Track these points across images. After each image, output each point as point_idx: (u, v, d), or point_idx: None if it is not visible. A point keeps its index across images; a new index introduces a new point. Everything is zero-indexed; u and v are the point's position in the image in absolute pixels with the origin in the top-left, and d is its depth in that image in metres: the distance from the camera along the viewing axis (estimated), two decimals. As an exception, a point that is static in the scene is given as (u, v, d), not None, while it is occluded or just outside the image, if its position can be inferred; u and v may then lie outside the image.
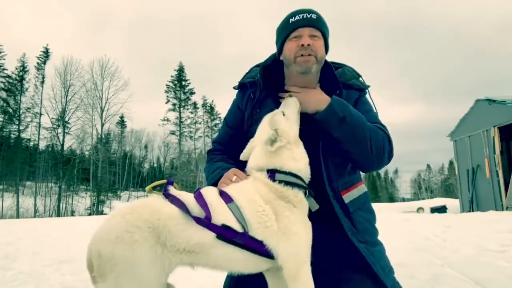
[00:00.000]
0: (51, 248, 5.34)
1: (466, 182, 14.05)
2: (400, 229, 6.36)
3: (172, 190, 1.28)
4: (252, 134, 1.60)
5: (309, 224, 1.33)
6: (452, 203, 18.39)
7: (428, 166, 74.67)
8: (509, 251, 3.94)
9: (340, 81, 1.66)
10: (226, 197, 1.28)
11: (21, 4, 70.49)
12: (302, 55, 1.58)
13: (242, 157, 1.54)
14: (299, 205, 1.32)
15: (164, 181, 1.31)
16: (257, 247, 1.22)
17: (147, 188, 1.30)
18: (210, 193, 1.30)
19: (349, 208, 1.57)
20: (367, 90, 1.76)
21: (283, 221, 1.25)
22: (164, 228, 1.16)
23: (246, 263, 1.25)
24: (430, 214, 13.37)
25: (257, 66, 1.86)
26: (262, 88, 1.71)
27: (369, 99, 1.77)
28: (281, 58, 1.70)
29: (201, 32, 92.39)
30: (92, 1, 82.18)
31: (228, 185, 1.43)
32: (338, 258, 1.53)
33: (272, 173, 1.34)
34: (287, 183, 1.32)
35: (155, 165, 63.23)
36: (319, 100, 1.54)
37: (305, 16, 1.60)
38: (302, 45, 1.57)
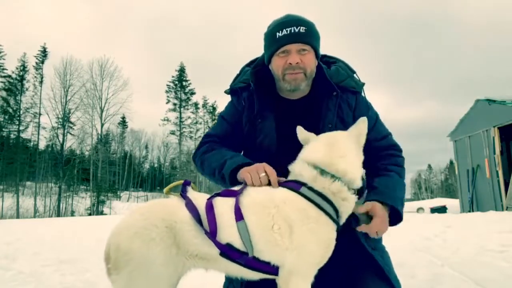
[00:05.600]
0: (51, 248, 5.34)
1: (466, 182, 14.03)
2: (400, 229, 6.33)
3: (190, 191, 1.28)
4: (253, 141, 1.58)
5: (329, 244, 1.24)
6: (452, 203, 18.39)
7: (429, 166, 74.70)
8: (509, 251, 3.94)
9: (334, 83, 1.59)
10: (238, 214, 1.20)
11: (21, 3, 70.51)
12: (290, 73, 1.53)
13: (299, 132, 1.43)
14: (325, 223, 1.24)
15: (181, 182, 1.31)
16: (262, 268, 1.19)
17: (165, 190, 1.32)
18: (223, 205, 1.24)
19: None
20: (362, 89, 1.69)
21: (296, 233, 1.18)
22: (179, 231, 1.17)
23: (255, 275, 1.24)
24: (430, 214, 13.36)
25: (248, 65, 1.79)
26: (258, 98, 1.62)
27: (364, 96, 1.70)
28: (269, 67, 1.64)
29: (205, 31, 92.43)
30: (94, 1, 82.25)
31: (256, 181, 1.32)
32: (352, 267, 1.50)
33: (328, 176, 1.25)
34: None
35: (155, 165, 63.25)
36: (386, 221, 1.41)
37: (292, 31, 1.49)
38: (290, 63, 1.51)
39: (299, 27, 1.49)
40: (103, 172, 38.93)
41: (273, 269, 1.20)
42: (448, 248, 4.42)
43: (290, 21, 1.52)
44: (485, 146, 12.68)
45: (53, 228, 8.61)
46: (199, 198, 1.26)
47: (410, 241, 5.00)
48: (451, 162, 49.89)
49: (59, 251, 5.01)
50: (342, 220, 1.30)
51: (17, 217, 29.02)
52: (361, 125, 1.37)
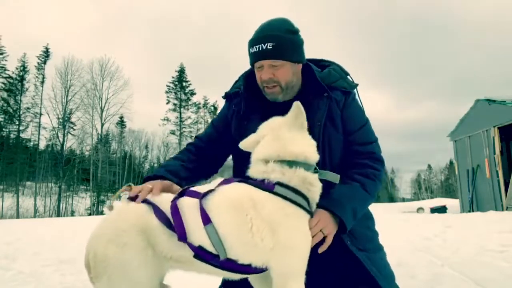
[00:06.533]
0: (51, 248, 5.34)
1: (466, 182, 14.03)
2: (400, 229, 6.36)
3: (155, 195, 1.27)
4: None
5: (309, 235, 1.26)
6: (452, 203, 18.38)
7: (429, 166, 74.65)
8: (509, 251, 3.94)
9: (325, 84, 1.60)
10: (205, 217, 1.17)
11: (21, 3, 70.56)
12: (266, 86, 1.58)
13: (244, 145, 1.43)
14: (315, 195, 1.29)
15: (123, 188, 1.32)
16: (241, 269, 1.18)
17: (112, 199, 1.35)
18: (188, 207, 1.21)
19: None
20: (355, 90, 1.69)
21: (281, 234, 1.17)
22: (151, 235, 1.18)
23: (235, 275, 1.24)
24: (430, 214, 13.37)
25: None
26: (246, 101, 1.67)
27: (357, 99, 1.70)
28: None
29: (205, 31, 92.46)
30: (95, 1, 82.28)
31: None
32: (339, 270, 1.50)
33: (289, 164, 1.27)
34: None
35: (155, 165, 63.20)
36: (332, 223, 1.37)
37: (261, 48, 1.52)
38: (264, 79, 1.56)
39: (266, 44, 1.51)
40: (103, 172, 38.92)
41: (253, 269, 1.18)
42: (448, 248, 4.41)
43: (259, 38, 1.54)
44: (485, 146, 12.68)
45: (53, 228, 8.61)
46: (164, 202, 1.23)
47: (410, 241, 5.00)
48: (451, 162, 49.92)
49: (59, 251, 5.01)
50: (313, 208, 1.32)
51: (17, 217, 29.04)
52: (295, 110, 1.36)
